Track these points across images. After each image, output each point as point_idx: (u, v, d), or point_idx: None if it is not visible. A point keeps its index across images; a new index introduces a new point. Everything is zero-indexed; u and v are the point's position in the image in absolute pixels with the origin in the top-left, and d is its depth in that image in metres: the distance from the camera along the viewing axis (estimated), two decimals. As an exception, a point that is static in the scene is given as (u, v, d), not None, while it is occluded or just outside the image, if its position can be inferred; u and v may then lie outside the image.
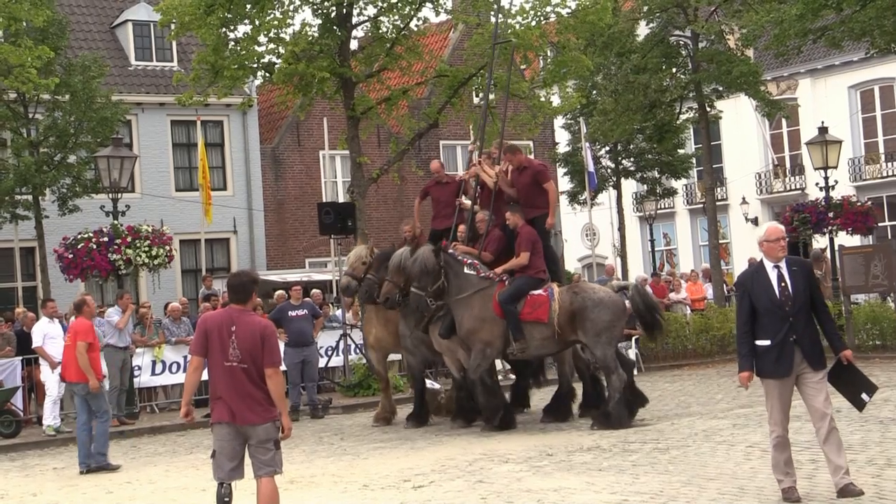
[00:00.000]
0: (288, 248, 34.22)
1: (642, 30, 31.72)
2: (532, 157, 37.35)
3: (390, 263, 16.62)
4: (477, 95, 26.78)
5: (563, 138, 39.41)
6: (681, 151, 36.21)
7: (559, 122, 36.69)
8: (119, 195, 22.34)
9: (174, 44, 31.90)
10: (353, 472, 13.39)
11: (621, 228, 35.66)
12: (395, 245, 18.24)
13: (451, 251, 16.17)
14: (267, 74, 24.53)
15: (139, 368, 21.24)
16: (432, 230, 18.12)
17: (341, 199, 30.25)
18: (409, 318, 17.02)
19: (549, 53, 26.37)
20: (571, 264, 42.97)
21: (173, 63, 32.74)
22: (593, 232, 34.32)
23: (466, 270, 16.02)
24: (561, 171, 37.32)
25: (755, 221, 42.95)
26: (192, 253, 31.36)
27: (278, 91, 26.23)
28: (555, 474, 12.18)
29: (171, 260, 24.44)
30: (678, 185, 41.67)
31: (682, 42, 30.05)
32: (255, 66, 23.95)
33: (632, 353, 24.41)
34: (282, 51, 23.35)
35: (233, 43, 23.52)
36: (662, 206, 42.64)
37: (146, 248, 23.08)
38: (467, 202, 17.44)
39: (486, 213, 16.75)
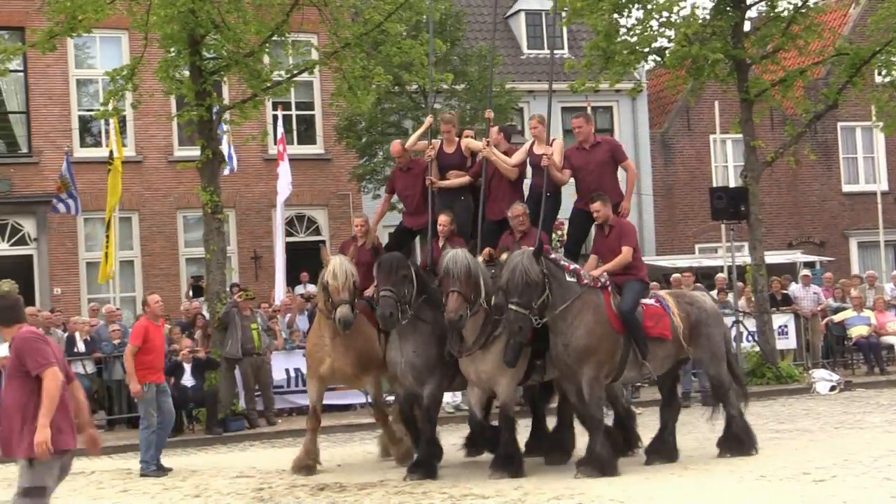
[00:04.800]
0: (677, 233, 33.87)
1: None
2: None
3: (455, 270, 12.48)
4: (880, 74, 25.37)
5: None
6: None
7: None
8: (513, 181, 22.86)
9: (565, 31, 32.29)
10: (750, 463, 13.07)
11: None
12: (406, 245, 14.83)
13: (553, 255, 12.81)
14: (658, 59, 24.36)
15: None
16: (402, 227, 15.01)
17: (732, 184, 29.53)
18: (407, 341, 13.29)
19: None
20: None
21: (564, 51, 33.14)
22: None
23: (568, 277, 12.59)
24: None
25: None
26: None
27: (668, 75, 25.98)
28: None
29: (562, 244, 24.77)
30: None
31: None
32: (647, 50, 23.80)
33: None
34: (673, 34, 23.10)
35: (624, 28, 23.52)
36: None
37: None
38: (441, 182, 14.25)
39: (524, 206, 13.46)
